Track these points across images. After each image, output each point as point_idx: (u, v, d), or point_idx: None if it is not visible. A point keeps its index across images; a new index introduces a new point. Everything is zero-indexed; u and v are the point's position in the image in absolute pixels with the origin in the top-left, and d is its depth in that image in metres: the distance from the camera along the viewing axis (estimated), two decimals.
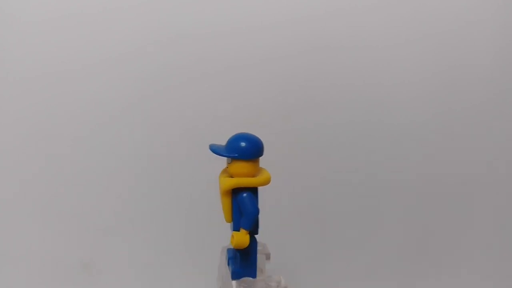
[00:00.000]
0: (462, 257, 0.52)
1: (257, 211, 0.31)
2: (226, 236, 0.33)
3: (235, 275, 0.32)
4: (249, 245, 0.31)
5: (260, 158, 0.33)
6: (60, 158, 0.49)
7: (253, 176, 0.32)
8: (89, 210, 0.49)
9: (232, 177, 0.32)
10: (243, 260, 0.32)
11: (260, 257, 0.33)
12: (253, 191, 0.32)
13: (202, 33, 0.48)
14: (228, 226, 0.34)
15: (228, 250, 0.34)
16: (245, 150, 0.31)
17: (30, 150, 0.48)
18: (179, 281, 0.47)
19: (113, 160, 0.49)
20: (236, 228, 0.32)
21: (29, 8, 0.47)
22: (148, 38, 0.48)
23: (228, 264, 0.33)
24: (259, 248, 0.33)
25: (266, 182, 0.32)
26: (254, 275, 0.32)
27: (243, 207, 0.31)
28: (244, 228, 0.31)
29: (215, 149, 0.32)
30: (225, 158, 0.32)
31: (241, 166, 0.31)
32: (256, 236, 0.33)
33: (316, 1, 0.49)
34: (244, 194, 0.31)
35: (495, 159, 0.52)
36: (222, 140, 0.33)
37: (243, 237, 0.31)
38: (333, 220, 0.51)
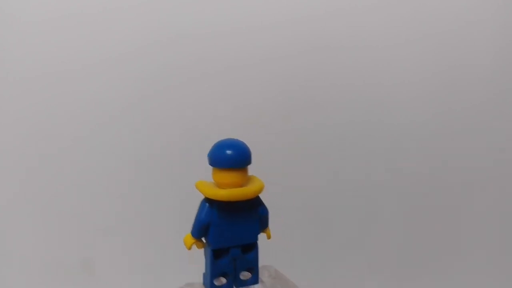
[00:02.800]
0: (462, 257, 0.52)
1: (200, 220, 0.29)
2: None
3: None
4: (205, 255, 0.30)
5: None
6: (60, 158, 0.49)
7: (237, 186, 0.28)
8: (89, 210, 0.49)
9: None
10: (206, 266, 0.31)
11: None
12: (210, 200, 0.29)
13: (202, 33, 0.48)
14: None
15: None
16: (215, 157, 0.28)
17: (30, 150, 0.48)
18: (178, 281, 0.47)
19: (113, 160, 0.49)
20: None
21: (29, 8, 0.47)
22: (148, 38, 0.48)
23: None
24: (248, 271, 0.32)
25: (219, 197, 0.28)
26: (207, 286, 0.30)
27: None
28: (191, 231, 0.29)
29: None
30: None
31: (213, 172, 0.29)
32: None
33: (316, 1, 0.49)
34: (201, 200, 0.30)
35: (495, 158, 0.52)
36: None
37: (186, 238, 0.30)
38: (332, 220, 0.51)
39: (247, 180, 0.29)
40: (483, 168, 0.52)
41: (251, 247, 0.31)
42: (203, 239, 0.30)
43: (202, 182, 0.29)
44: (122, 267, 0.49)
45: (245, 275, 0.31)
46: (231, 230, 0.29)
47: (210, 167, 0.29)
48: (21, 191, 0.49)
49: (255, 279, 0.32)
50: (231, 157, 0.28)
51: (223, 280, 0.31)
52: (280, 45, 0.49)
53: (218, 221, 0.29)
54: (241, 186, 0.29)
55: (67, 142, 0.49)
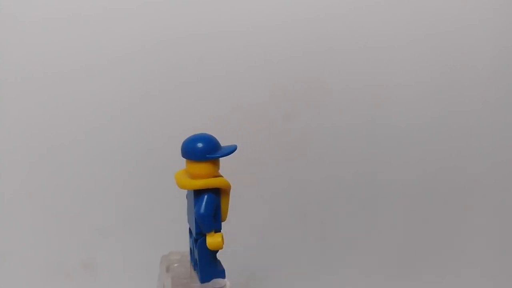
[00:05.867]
0: (462, 257, 0.52)
1: None
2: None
3: None
4: None
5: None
6: (60, 158, 0.49)
7: (198, 177, 0.31)
8: (89, 210, 0.49)
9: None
10: None
11: None
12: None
13: (203, 35, 0.48)
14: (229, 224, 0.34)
15: None
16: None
17: (30, 151, 0.48)
18: None
19: (113, 161, 0.49)
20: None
21: (30, 10, 0.47)
22: (149, 39, 0.48)
23: None
24: None
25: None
26: None
27: None
28: None
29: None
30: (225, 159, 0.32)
31: None
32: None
33: (318, 3, 0.49)
34: None
35: (496, 160, 0.52)
36: (222, 142, 0.33)
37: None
38: (333, 220, 0.51)
39: (211, 175, 0.31)
40: (484, 169, 0.52)
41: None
42: None
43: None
44: (123, 267, 0.49)
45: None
46: (188, 213, 0.32)
47: None
48: (22, 191, 0.49)
49: (200, 278, 0.32)
50: (182, 148, 0.31)
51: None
52: (282, 47, 0.49)
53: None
54: (207, 177, 0.31)
55: (68, 142, 0.49)
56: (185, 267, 0.34)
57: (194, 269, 0.33)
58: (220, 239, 0.31)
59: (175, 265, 0.34)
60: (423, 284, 0.49)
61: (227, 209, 0.32)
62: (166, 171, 0.49)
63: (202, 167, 0.30)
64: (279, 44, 0.49)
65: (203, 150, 0.30)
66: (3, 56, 0.47)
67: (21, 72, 0.47)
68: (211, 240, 0.31)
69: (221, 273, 0.32)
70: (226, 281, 0.32)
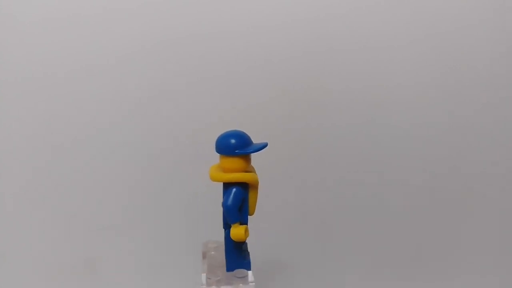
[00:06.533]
0: (463, 257, 0.52)
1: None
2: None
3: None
4: None
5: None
6: (64, 157, 0.49)
7: (229, 170, 0.32)
8: (93, 209, 0.49)
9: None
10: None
11: None
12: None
13: (203, 35, 0.48)
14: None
15: None
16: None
17: (34, 150, 0.48)
18: (185, 280, 0.47)
19: (117, 160, 0.49)
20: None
21: (30, 10, 0.47)
22: (149, 39, 0.48)
23: None
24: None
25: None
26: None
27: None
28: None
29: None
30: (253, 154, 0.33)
31: None
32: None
33: (318, 3, 0.49)
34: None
35: (496, 160, 0.52)
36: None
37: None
38: (332, 220, 0.51)
39: (241, 169, 0.32)
40: (485, 169, 0.52)
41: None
42: None
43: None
44: (126, 266, 0.49)
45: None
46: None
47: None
48: (23, 191, 0.49)
49: (226, 266, 0.33)
50: (215, 143, 0.32)
51: None
52: (282, 47, 0.49)
53: None
54: (237, 171, 0.32)
55: (72, 141, 0.49)
56: (220, 255, 0.35)
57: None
58: (243, 231, 0.32)
59: (212, 252, 0.36)
60: (423, 284, 0.49)
61: (255, 203, 0.33)
62: (172, 171, 0.49)
63: (232, 162, 0.32)
64: (279, 44, 0.49)
65: (233, 145, 0.32)
66: (3, 56, 0.47)
67: (21, 72, 0.48)
68: (235, 231, 0.32)
69: (246, 264, 0.33)
70: (249, 272, 0.33)
